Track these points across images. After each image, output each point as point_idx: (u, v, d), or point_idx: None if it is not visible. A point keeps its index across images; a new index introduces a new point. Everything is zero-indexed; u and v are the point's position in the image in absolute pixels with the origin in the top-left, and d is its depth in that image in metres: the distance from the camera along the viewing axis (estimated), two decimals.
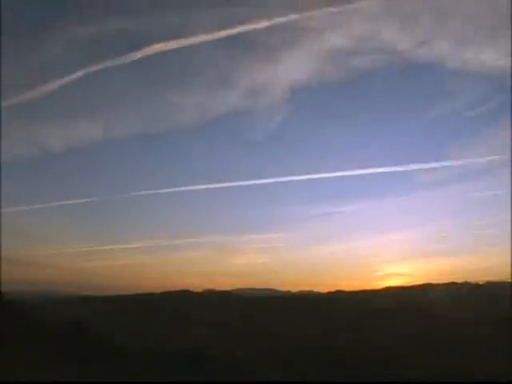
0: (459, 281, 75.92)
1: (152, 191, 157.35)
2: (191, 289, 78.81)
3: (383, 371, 22.98)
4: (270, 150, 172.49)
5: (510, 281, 67.47)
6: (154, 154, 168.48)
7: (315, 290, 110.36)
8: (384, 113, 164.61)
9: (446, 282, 74.89)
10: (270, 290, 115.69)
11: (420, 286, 75.68)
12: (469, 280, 78.13)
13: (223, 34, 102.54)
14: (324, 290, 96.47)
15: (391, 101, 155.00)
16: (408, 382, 21.36)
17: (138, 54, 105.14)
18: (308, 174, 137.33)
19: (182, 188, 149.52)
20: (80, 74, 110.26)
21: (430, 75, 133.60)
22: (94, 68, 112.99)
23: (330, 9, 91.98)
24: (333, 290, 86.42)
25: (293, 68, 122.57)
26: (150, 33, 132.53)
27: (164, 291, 73.92)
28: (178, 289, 75.79)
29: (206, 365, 24.47)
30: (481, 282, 78.01)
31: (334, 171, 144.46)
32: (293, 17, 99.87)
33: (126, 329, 35.72)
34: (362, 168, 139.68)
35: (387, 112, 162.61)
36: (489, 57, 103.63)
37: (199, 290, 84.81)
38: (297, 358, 27.06)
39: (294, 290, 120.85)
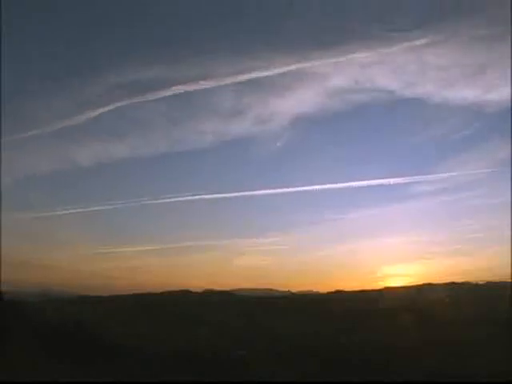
0: (459, 281, 76.02)
1: (165, 200, 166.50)
2: (191, 289, 78.97)
3: (383, 371, 22.95)
4: (276, 165, 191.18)
5: (510, 281, 67.44)
6: (171, 168, 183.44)
7: (315, 290, 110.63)
8: (378, 136, 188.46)
9: (446, 282, 74.97)
10: (270, 290, 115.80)
11: (420, 286, 75.74)
12: (469, 280, 78.24)
13: (238, 78, 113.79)
14: (324, 290, 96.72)
15: (384, 127, 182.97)
16: (408, 381, 21.33)
17: (164, 93, 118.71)
18: (310, 185, 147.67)
19: (194, 197, 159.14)
20: (113, 106, 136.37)
21: (417, 108, 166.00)
22: (126, 102, 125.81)
23: (331, 60, 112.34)
24: (333, 290, 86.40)
25: (297, 102, 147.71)
26: (175, 76, 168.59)
27: (164, 291, 74.00)
28: (178, 289, 75.95)
29: (205, 365, 24.47)
30: (481, 282, 78.11)
31: (335, 183, 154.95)
32: (298, 65, 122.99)
33: (126, 329, 35.71)
34: (361, 180, 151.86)
35: (380, 136, 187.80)
36: (468, 94, 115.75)
37: (199, 289, 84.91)
38: (297, 358, 27.06)
39: (294, 290, 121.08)
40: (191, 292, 75.78)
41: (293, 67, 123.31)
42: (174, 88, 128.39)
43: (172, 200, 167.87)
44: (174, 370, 23.45)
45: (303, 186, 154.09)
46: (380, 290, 76.86)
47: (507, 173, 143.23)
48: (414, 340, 30.44)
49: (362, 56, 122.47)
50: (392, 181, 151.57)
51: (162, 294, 71.26)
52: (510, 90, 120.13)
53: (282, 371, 23.96)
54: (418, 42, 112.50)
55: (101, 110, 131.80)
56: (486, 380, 19.80)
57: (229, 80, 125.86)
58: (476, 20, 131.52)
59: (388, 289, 78.41)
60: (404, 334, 33.43)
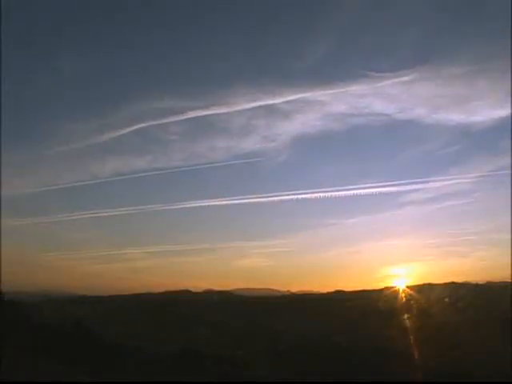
0: (459, 281, 75.76)
1: (175, 206, 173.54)
2: (191, 289, 79.06)
3: (383, 371, 22.97)
4: (279, 176, 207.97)
5: (510, 281, 67.31)
6: (184, 179, 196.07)
7: (315, 290, 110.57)
8: (374, 151, 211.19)
9: (446, 282, 74.70)
10: (270, 290, 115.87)
11: (420, 286, 75.58)
12: (469, 280, 77.96)
13: (248, 105, 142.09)
14: (324, 290, 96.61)
15: (381, 142, 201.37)
16: (408, 381, 21.35)
17: (182, 116, 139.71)
18: (311, 193, 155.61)
19: (202, 203, 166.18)
20: (135, 127, 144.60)
21: (410, 128, 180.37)
22: (146, 124, 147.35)
23: (330, 91, 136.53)
24: (333, 290, 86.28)
25: (299, 125, 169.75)
26: (193, 104, 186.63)
27: (164, 291, 74.14)
28: (178, 289, 76.04)
29: (205, 365, 24.47)
30: (481, 282, 77.84)
31: (335, 191, 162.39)
32: (301, 95, 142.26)
33: (126, 329, 35.76)
34: (359, 189, 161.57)
35: (376, 151, 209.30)
36: (454, 117, 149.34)
37: (199, 290, 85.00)
38: (297, 357, 27.09)
39: (294, 290, 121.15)
40: (191, 292, 75.94)
41: (296, 96, 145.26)
42: (191, 113, 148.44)
43: (182, 206, 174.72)
44: (174, 370, 23.46)
45: (304, 194, 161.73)
46: (380, 290, 76.69)
47: (492, 182, 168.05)
48: (414, 340, 30.46)
49: (358, 88, 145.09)
50: (389, 189, 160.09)
51: (162, 293, 71.37)
52: (490, 114, 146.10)
53: (282, 371, 23.99)
54: (406, 78, 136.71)
55: (123, 131, 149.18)
56: (486, 380, 19.82)
57: (240, 107, 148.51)
58: (457, 59, 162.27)
59: (388, 289, 78.08)
60: (404, 333, 33.44)
